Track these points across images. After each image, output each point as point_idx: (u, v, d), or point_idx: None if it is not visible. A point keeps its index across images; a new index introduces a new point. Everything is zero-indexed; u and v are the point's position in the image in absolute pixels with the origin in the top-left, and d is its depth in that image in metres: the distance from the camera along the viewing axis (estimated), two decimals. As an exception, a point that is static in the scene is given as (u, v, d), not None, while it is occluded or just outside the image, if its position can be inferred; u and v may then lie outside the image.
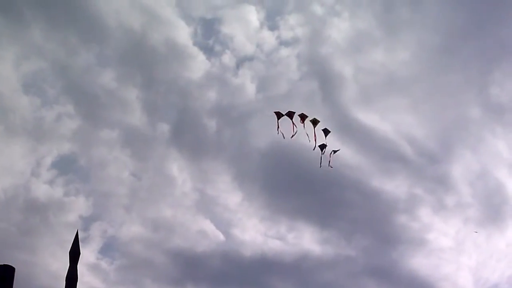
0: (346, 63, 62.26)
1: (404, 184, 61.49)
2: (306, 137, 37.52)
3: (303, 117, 37.27)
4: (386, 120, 60.93)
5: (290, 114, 37.22)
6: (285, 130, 37.65)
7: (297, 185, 57.45)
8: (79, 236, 20.51)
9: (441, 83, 62.82)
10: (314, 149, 37.90)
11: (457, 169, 62.45)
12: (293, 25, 64.64)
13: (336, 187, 57.49)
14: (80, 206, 59.66)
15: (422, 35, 62.84)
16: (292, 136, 37.54)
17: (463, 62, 63.66)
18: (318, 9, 63.80)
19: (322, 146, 38.11)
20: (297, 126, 37.29)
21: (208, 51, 64.11)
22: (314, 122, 37.86)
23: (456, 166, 62.52)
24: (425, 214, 61.33)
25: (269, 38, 64.79)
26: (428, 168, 61.56)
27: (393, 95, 63.04)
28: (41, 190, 59.15)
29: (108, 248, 60.09)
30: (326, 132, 38.12)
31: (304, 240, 60.41)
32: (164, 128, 61.53)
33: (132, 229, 59.39)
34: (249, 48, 63.71)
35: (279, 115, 37.20)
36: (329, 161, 38.42)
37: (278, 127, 37.29)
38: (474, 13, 62.49)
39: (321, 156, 38.19)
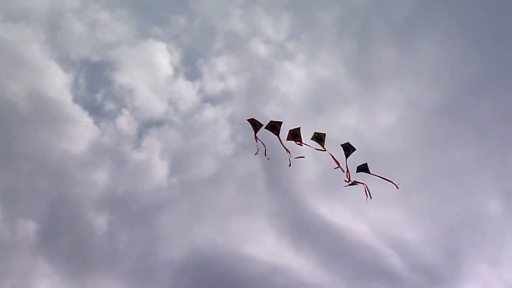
0: (302, 129, 53.70)
1: None
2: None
3: (296, 135, 37.27)
4: (361, 216, 53.62)
5: (274, 126, 37.37)
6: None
7: None
8: None
9: (442, 161, 55.53)
10: (349, 184, 38.08)
11: None
12: (223, 72, 58.71)
13: None
14: None
15: (413, 91, 57.52)
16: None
17: (474, 130, 56.82)
18: (260, 49, 58.51)
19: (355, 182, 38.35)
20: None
21: (96, 112, 56.85)
22: (319, 138, 37.51)
23: (468, 287, 53.59)
24: None
25: (187, 92, 58.28)
26: None
27: (372, 178, 52.79)
28: None
29: None
30: (348, 149, 37.94)
31: None
32: (29, 228, 52.73)
33: None
34: (157, 107, 57.12)
35: (254, 124, 37.56)
36: (367, 193, 38.72)
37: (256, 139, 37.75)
38: (488, 62, 56.84)
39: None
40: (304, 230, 54.22)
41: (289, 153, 38.58)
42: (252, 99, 57.56)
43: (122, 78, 57.98)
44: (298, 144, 38.35)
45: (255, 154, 38.85)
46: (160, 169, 56.07)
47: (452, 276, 54.69)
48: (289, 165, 38.89)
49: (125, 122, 57.14)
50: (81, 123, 55.86)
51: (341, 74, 58.66)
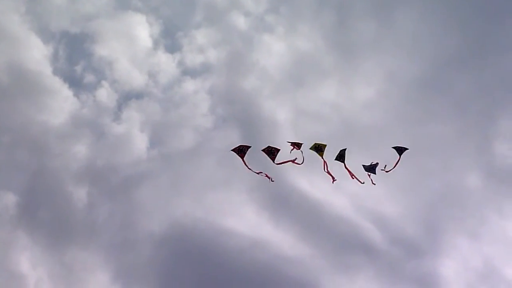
0: (281, 102, 56.85)
1: (372, 287, 51.87)
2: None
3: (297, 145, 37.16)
4: (341, 190, 52.42)
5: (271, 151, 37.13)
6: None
7: None
8: None
9: (422, 135, 55.08)
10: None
11: (449, 266, 53.47)
12: (203, 45, 58.77)
13: None
14: None
15: (392, 65, 57.44)
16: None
17: (453, 104, 56.86)
18: (240, 22, 58.20)
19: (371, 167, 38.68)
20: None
21: (76, 84, 56.33)
22: (319, 149, 37.40)
23: (448, 261, 53.66)
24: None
25: (167, 64, 58.35)
26: (407, 264, 52.68)
27: (351, 152, 52.59)
28: None
29: None
30: (341, 156, 38.00)
31: None
32: (9, 200, 52.40)
33: None
34: (137, 80, 57.13)
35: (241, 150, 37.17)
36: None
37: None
38: (469, 35, 57.09)
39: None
40: (284, 203, 54.13)
41: (268, 178, 38.35)
42: (232, 72, 57.89)
43: (102, 50, 57.95)
44: (296, 147, 37.92)
45: (271, 181, 38.42)
46: (139, 142, 56.04)
47: (431, 250, 54.64)
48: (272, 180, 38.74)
49: (105, 94, 56.86)
50: (61, 95, 55.85)
51: (320, 47, 58.64)
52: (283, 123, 56.11)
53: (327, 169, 38.38)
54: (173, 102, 57.95)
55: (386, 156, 55.31)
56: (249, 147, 37.84)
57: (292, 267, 52.46)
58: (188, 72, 58.58)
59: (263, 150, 37.79)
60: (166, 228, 51.77)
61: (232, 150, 37.82)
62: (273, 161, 37.82)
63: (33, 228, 53.29)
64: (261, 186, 54.92)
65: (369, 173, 39.45)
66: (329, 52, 58.85)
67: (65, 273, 52.51)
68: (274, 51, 58.99)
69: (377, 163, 39.26)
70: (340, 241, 53.09)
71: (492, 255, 55.17)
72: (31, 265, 52.08)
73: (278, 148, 37.60)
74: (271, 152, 37.83)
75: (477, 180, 55.79)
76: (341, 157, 38.42)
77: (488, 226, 55.78)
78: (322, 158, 37.93)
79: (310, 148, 37.74)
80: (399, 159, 39.21)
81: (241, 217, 52.53)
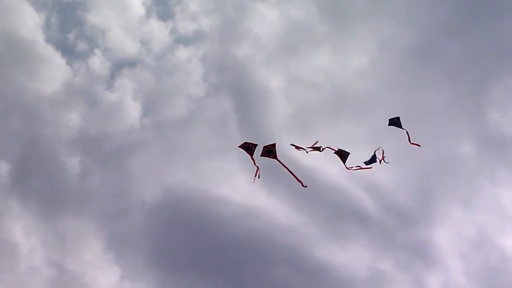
0: (274, 71, 57.10)
1: (365, 255, 52.95)
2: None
3: (270, 151, 36.58)
4: (334, 158, 49.44)
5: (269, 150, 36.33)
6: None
7: (203, 257, 50.90)
8: None
9: (415, 103, 55.09)
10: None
11: (442, 234, 54.27)
12: (195, 12, 59.11)
13: (262, 260, 50.81)
14: None
15: (385, 33, 57.57)
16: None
17: (447, 72, 56.86)
18: None
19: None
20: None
21: (68, 52, 56.41)
22: (343, 156, 37.35)
23: (441, 230, 54.41)
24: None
25: (159, 32, 58.91)
26: (400, 232, 53.33)
27: (344, 120, 55.83)
28: None
29: None
30: (343, 156, 37.78)
31: None
32: (2, 168, 52.40)
33: None
34: (130, 48, 57.66)
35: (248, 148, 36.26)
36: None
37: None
38: (462, 3, 57.10)
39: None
40: (277, 172, 54.11)
41: (300, 182, 37.98)
42: (225, 40, 57.98)
43: (94, 18, 57.90)
44: (301, 149, 38.02)
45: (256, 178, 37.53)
46: (132, 110, 56.12)
47: (424, 218, 54.83)
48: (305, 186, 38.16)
49: (98, 63, 56.81)
50: (54, 63, 55.69)
51: (313, 15, 58.66)
52: (276, 91, 56.30)
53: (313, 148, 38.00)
54: (166, 70, 57.96)
55: (378, 124, 55.16)
56: (256, 145, 37.00)
57: (285, 235, 52.71)
58: (180, 40, 58.71)
59: (240, 147, 37.01)
60: (159, 197, 51.81)
61: (239, 146, 37.05)
62: (251, 156, 36.80)
63: (26, 196, 53.34)
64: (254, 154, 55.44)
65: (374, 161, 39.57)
66: (322, 20, 59.01)
67: (58, 242, 52.76)
68: (267, 19, 59.14)
69: (375, 154, 39.42)
70: (333, 209, 53.19)
71: (485, 223, 55.48)
72: (24, 233, 52.28)
73: (255, 143, 36.84)
74: (249, 148, 36.98)
75: (470, 148, 55.83)
76: (342, 157, 38.16)
77: (481, 195, 56.02)
78: (346, 166, 37.70)
79: (335, 153, 37.41)
80: (407, 132, 40.19)
81: (234, 186, 52.61)
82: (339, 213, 54.46)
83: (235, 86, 57.80)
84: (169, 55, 59.26)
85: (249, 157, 36.85)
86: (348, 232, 53.56)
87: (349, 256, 52.97)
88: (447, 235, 55.39)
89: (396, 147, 54.73)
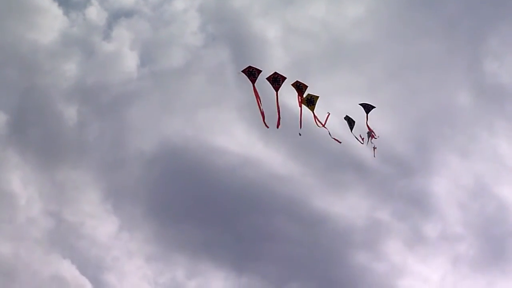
0: (271, 20, 57.25)
1: (362, 205, 53.53)
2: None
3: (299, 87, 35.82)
4: (331, 109, 48.73)
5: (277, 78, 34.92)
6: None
7: (201, 207, 50.95)
8: None
9: (412, 53, 55.63)
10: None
11: (439, 184, 54.76)
12: None
13: (260, 210, 50.90)
14: None
15: None
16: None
17: (444, 22, 56.51)
18: None
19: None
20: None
21: (65, 2, 56.36)
22: (311, 101, 36.50)
23: (438, 179, 54.84)
24: (394, 250, 52.53)
25: None
26: (397, 182, 53.90)
27: (340, 70, 56.19)
28: None
29: None
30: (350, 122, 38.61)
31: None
32: (0, 119, 52.96)
33: None
34: None
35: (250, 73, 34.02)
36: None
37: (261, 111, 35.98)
38: None
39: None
40: (274, 121, 54.22)
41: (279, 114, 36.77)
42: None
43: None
44: (319, 125, 37.65)
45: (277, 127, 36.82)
46: (130, 60, 56.28)
47: (422, 168, 54.93)
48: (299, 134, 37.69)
49: (95, 13, 56.82)
50: (51, 14, 55.50)
51: (310, -36, 57.87)
52: (273, 40, 56.14)
53: (320, 121, 37.58)
54: (163, 20, 58.28)
55: (374, 74, 55.44)
56: (260, 71, 35.56)
57: (283, 185, 52.83)
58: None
59: (243, 71, 35.29)
60: (157, 147, 52.02)
61: (242, 71, 35.40)
62: (253, 84, 35.43)
63: (24, 147, 53.60)
64: (251, 104, 55.25)
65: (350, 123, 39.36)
66: (318, -31, 58.46)
67: (55, 192, 53.21)
68: (262, -33, 58.65)
69: (374, 107, 39.02)
70: (331, 159, 53.23)
71: (482, 172, 55.69)
72: (22, 183, 52.57)
73: (260, 69, 35.35)
74: (252, 73, 35.40)
75: (467, 98, 55.81)
76: (350, 123, 39.01)
77: (478, 144, 56.10)
78: (313, 112, 37.09)
79: (302, 102, 36.74)
80: (367, 117, 39.12)
81: (232, 136, 52.81)
82: (337, 163, 54.51)
83: (232, 36, 57.56)
84: (166, 5, 59.55)
85: (251, 83, 35.39)
86: (346, 182, 53.83)
87: (347, 205, 53.24)
88: (445, 184, 55.56)
89: (392, 97, 55.10)
